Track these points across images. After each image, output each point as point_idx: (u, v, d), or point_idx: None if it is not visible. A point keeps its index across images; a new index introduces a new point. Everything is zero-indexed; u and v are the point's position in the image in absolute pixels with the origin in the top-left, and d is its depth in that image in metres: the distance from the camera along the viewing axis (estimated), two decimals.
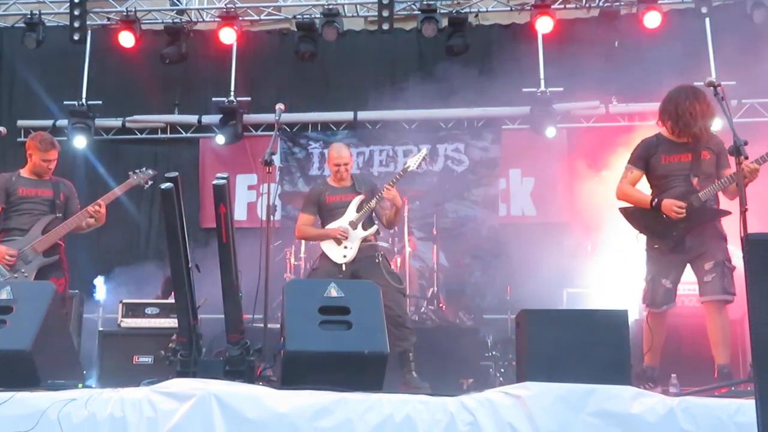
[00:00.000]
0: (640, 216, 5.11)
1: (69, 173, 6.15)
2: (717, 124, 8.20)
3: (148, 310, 6.94)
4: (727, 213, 5.00)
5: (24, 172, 6.07)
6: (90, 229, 6.15)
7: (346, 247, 6.00)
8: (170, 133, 10.30)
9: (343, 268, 5.95)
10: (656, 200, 5.01)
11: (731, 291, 4.82)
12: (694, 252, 4.95)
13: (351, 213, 6.08)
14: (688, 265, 5.05)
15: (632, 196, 5.15)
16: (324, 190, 6.23)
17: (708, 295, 4.85)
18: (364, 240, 6.04)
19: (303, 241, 7.97)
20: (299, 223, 6.26)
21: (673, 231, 4.95)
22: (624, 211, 5.22)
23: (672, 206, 4.92)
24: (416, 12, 9.12)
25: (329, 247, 6.03)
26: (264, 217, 5.49)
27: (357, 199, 6.11)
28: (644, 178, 5.22)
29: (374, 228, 6.14)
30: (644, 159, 5.14)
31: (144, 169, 6.46)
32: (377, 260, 6.01)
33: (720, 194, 5.04)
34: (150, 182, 6.43)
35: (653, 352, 5.02)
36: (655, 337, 5.00)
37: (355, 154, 9.26)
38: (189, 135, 10.25)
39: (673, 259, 5.00)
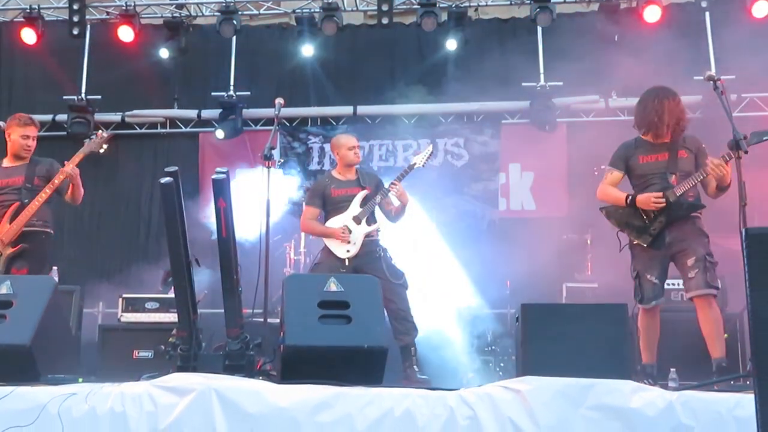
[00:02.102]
0: (618, 214, 5.22)
1: None
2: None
3: (148, 305, 6.95)
4: (701, 206, 5.08)
5: (4, 161, 6.05)
6: (77, 195, 5.98)
7: (349, 242, 6.01)
8: (170, 128, 10.30)
9: (347, 263, 5.96)
10: (630, 197, 5.10)
11: (715, 285, 4.89)
12: (674, 248, 5.00)
13: (355, 207, 6.08)
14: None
15: (610, 195, 5.27)
16: (329, 183, 6.23)
17: (693, 291, 4.90)
18: (367, 235, 6.05)
19: (303, 236, 7.99)
20: (304, 217, 6.26)
21: (650, 227, 5.04)
22: (604, 211, 5.30)
23: (649, 198, 5.00)
24: (416, 6, 9.11)
25: (333, 242, 6.04)
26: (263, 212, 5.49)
27: (361, 194, 6.12)
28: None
29: (378, 224, 6.15)
30: (623, 160, 5.27)
31: (100, 132, 6.28)
32: (378, 255, 6.03)
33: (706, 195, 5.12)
34: (105, 145, 6.19)
35: (649, 350, 5.05)
36: (649, 334, 5.04)
37: None
38: (188, 130, 10.25)
39: (655, 255, 5.05)
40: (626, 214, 5.15)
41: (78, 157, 5.97)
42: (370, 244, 6.06)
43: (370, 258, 6.01)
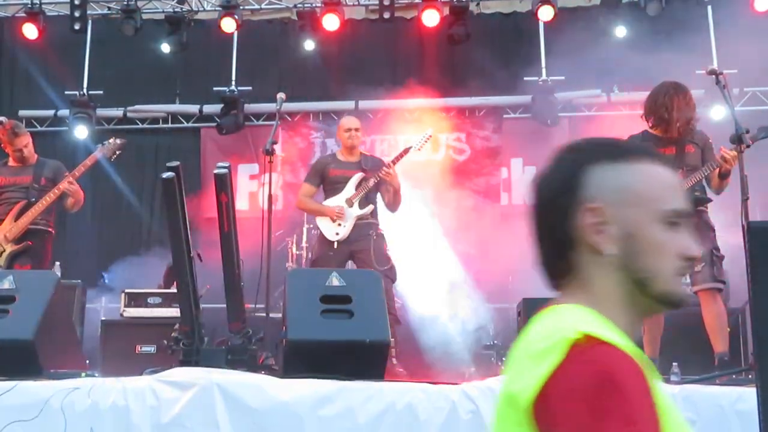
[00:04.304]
0: None
1: (70, 163, 6.12)
2: (719, 113, 8.29)
3: (151, 300, 6.95)
4: (708, 200, 5.07)
5: (10, 160, 6.08)
6: (76, 207, 6.06)
7: (340, 225, 5.99)
8: (171, 123, 10.29)
9: (335, 246, 5.94)
10: None
11: (721, 279, 4.90)
12: None
13: (349, 190, 6.06)
14: None
15: None
16: (330, 162, 6.22)
17: (699, 284, 4.90)
18: (360, 218, 6.02)
19: (305, 231, 7.98)
20: (300, 193, 6.27)
21: None
22: None
23: None
24: (417, 1, 9.09)
25: (324, 223, 6.04)
26: (265, 207, 5.49)
27: (357, 177, 6.08)
28: None
29: (370, 207, 6.08)
30: None
31: (113, 139, 6.28)
32: (372, 237, 5.97)
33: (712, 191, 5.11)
34: (118, 152, 6.22)
35: (652, 344, 5.04)
36: (652, 328, 5.04)
37: None
38: (190, 125, 10.25)
39: None
40: None
41: (84, 166, 6.00)
42: (363, 227, 6.01)
43: (362, 240, 5.95)
